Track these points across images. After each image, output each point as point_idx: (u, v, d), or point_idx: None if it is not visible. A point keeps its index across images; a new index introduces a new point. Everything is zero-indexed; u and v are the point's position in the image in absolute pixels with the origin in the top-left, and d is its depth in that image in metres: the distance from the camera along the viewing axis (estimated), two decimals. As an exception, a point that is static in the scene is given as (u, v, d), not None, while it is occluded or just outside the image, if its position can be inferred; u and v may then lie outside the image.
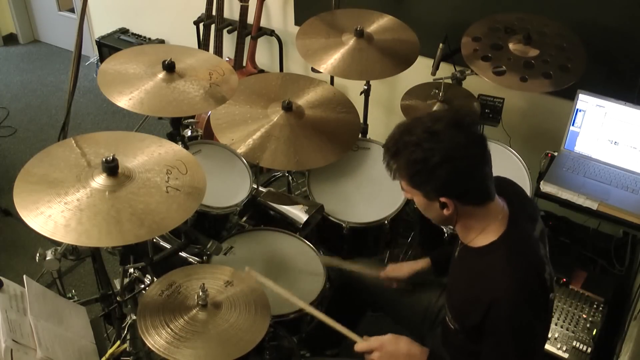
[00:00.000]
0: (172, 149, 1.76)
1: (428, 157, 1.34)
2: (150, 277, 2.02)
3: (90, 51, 4.52)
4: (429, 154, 1.34)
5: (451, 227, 1.55)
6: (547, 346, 2.10)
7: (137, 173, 1.62)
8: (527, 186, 2.32)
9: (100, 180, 1.57)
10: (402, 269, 1.91)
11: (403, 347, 1.52)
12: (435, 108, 2.46)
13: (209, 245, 1.90)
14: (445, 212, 1.42)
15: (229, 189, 2.22)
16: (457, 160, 1.35)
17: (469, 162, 1.37)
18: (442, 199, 1.39)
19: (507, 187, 1.57)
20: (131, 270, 2.03)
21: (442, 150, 1.34)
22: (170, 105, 1.92)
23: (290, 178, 2.61)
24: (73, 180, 1.57)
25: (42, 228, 1.43)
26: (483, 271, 1.43)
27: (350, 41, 2.49)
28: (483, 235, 1.45)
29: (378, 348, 1.52)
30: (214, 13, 3.55)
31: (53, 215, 1.46)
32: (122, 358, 1.78)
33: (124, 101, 1.89)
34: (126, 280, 2.00)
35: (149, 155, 1.70)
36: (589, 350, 2.09)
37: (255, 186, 2.23)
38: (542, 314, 1.45)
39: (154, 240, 2.03)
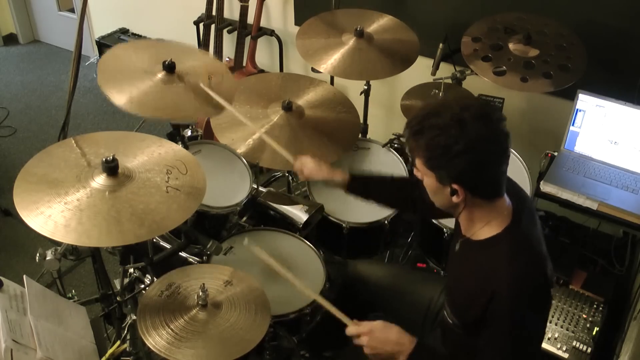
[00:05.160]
0: (172, 149, 1.76)
1: (451, 144, 1.34)
2: (150, 277, 2.02)
3: (90, 51, 4.52)
4: (453, 141, 1.33)
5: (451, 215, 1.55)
6: (547, 346, 2.10)
7: (137, 173, 1.62)
8: (527, 186, 2.32)
9: (100, 180, 1.56)
10: (319, 170, 1.88)
11: (392, 335, 1.52)
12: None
13: (209, 245, 1.90)
14: (454, 199, 1.41)
15: (229, 189, 2.22)
16: (479, 152, 1.35)
17: (489, 157, 1.37)
18: (455, 186, 1.39)
19: (513, 187, 1.57)
20: (131, 270, 2.03)
21: (466, 139, 1.33)
22: (169, 109, 1.91)
23: (290, 178, 2.61)
24: (73, 180, 1.57)
25: (42, 228, 1.43)
26: (486, 263, 1.43)
27: (350, 41, 2.49)
28: (486, 228, 1.45)
29: (367, 333, 1.52)
30: (214, 13, 3.55)
31: (53, 215, 1.46)
32: (122, 358, 1.78)
33: (123, 100, 1.87)
34: (126, 280, 2.00)
35: (149, 155, 1.70)
36: (589, 350, 2.09)
37: (255, 186, 2.23)
38: (541, 309, 1.45)
39: (154, 240, 2.03)
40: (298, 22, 3.40)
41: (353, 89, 3.07)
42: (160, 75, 1.98)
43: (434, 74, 2.61)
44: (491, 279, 1.39)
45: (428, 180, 1.45)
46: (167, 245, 2.06)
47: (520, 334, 1.39)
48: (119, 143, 1.74)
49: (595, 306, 2.23)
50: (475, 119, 1.34)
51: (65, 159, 1.64)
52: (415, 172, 1.49)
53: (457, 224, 1.56)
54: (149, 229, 1.49)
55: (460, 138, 1.33)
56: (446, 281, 1.75)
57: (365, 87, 2.75)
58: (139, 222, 1.49)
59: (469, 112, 1.35)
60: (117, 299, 1.90)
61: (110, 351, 1.70)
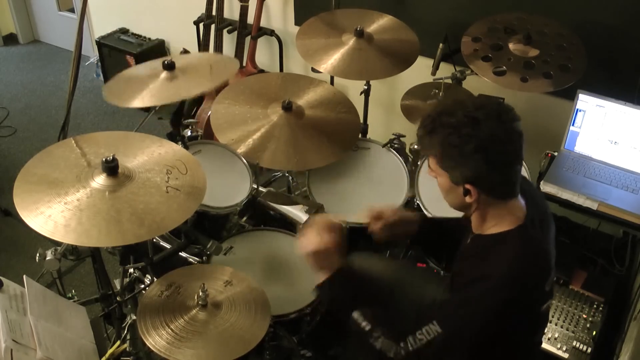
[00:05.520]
0: (172, 149, 1.76)
1: (464, 143, 1.33)
2: (150, 277, 2.02)
3: (90, 51, 4.51)
4: (466, 140, 1.33)
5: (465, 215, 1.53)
6: (548, 346, 2.10)
7: (137, 173, 1.62)
8: (527, 186, 2.32)
9: (100, 180, 1.57)
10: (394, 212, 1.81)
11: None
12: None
13: (209, 245, 1.90)
14: (467, 199, 1.41)
15: (229, 189, 2.22)
16: (492, 152, 1.34)
17: (502, 156, 1.36)
18: (467, 186, 1.38)
19: (529, 189, 1.54)
20: (131, 270, 2.03)
21: (479, 139, 1.32)
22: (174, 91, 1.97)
23: (290, 178, 2.61)
24: (73, 180, 1.57)
25: (42, 228, 1.44)
26: (489, 254, 1.42)
27: (350, 41, 2.49)
28: (497, 226, 1.44)
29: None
30: (214, 13, 3.55)
31: (53, 215, 1.46)
32: (122, 358, 1.78)
33: (135, 103, 1.91)
34: (126, 280, 2.00)
35: (149, 155, 1.70)
36: (589, 350, 2.09)
37: (255, 186, 2.23)
38: (514, 321, 1.40)
39: (154, 240, 2.03)
40: (298, 22, 3.40)
41: (353, 89, 3.07)
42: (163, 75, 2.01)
43: (434, 74, 2.61)
44: (487, 267, 1.38)
45: (441, 179, 1.44)
46: (167, 245, 2.06)
47: (474, 328, 1.35)
48: (119, 143, 1.74)
49: (595, 306, 2.23)
50: (488, 118, 1.34)
51: (65, 159, 1.64)
52: (428, 172, 1.49)
53: (468, 221, 1.56)
54: (149, 229, 1.49)
55: (473, 137, 1.32)
56: (451, 273, 1.74)
57: (365, 87, 2.75)
58: (139, 222, 1.49)
59: (482, 111, 1.35)
60: (117, 299, 1.90)
61: (110, 351, 1.70)
